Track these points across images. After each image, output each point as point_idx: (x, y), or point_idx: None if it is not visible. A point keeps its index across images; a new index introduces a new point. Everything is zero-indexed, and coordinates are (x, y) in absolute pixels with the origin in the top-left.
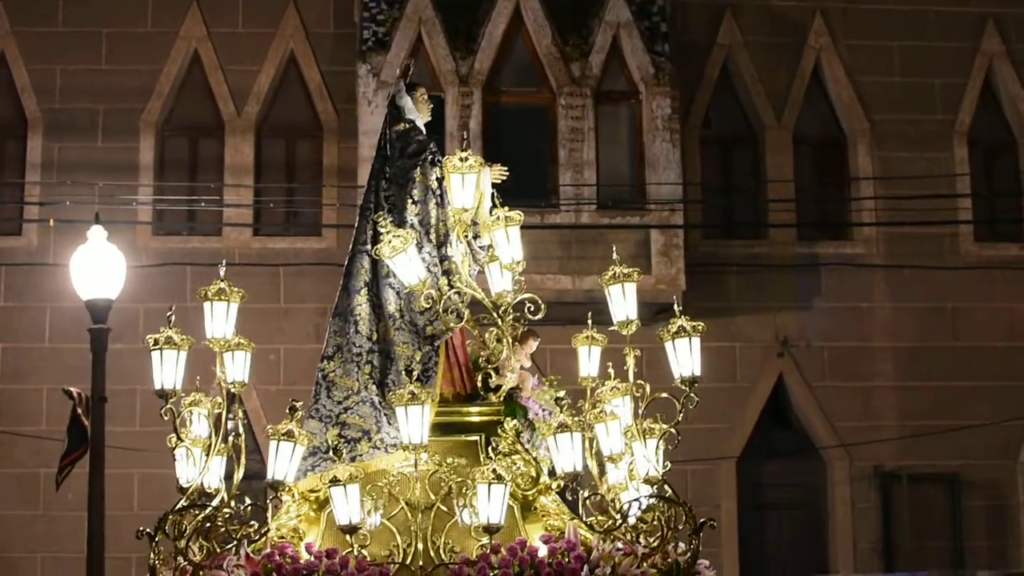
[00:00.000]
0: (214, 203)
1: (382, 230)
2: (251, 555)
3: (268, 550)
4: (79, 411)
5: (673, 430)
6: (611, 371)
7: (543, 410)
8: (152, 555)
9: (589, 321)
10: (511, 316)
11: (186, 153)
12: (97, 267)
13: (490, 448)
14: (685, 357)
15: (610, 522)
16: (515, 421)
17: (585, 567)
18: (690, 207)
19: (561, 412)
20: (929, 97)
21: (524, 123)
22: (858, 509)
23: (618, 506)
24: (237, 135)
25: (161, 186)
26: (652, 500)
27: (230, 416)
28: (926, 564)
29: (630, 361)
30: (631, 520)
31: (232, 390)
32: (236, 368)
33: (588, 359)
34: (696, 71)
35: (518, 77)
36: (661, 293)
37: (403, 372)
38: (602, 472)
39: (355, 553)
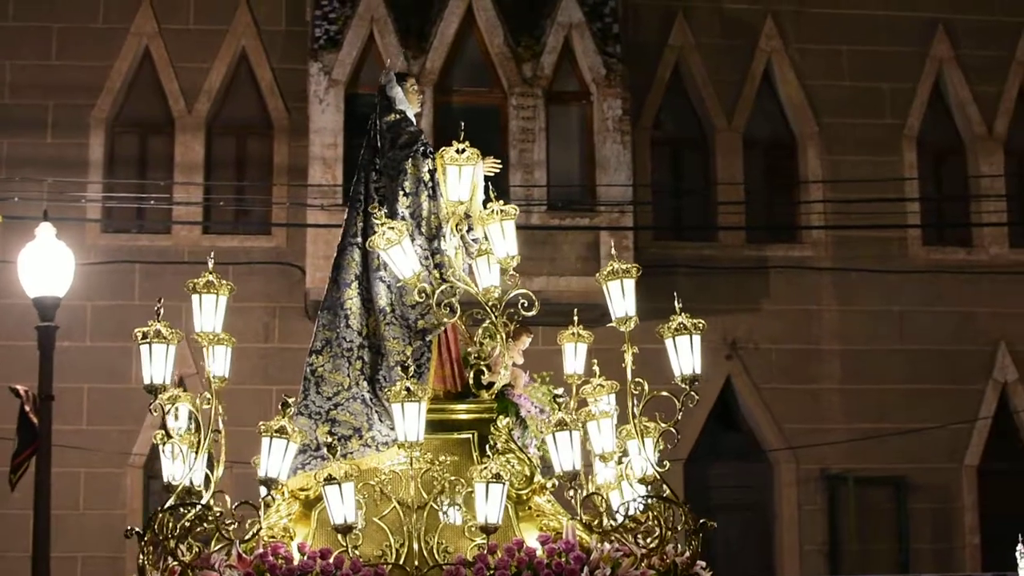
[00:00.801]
0: (164, 201)
1: (376, 221)
2: (243, 555)
3: (261, 550)
4: (27, 409)
5: (673, 429)
6: (596, 369)
7: (535, 407)
8: (141, 555)
9: (575, 318)
10: (505, 312)
11: (136, 150)
12: (45, 264)
13: (487, 446)
14: (686, 355)
15: (608, 523)
16: (508, 419)
17: (585, 568)
18: (640, 209)
19: (560, 410)
20: (879, 101)
21: (475, 122)
22: (804, 511)
23: (605, 506)
24: (187, 132)
25: (111, 183)
26: (651, 500)
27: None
28: (871, 567)
29: (628, 358)
30: (619, 519)
31: (215, 386)
32: (217, 363)
33: (574, 357)
34: (647, 73)
35: (470, 77)
36: None
37: (394, 368)
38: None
39: (349, 553)
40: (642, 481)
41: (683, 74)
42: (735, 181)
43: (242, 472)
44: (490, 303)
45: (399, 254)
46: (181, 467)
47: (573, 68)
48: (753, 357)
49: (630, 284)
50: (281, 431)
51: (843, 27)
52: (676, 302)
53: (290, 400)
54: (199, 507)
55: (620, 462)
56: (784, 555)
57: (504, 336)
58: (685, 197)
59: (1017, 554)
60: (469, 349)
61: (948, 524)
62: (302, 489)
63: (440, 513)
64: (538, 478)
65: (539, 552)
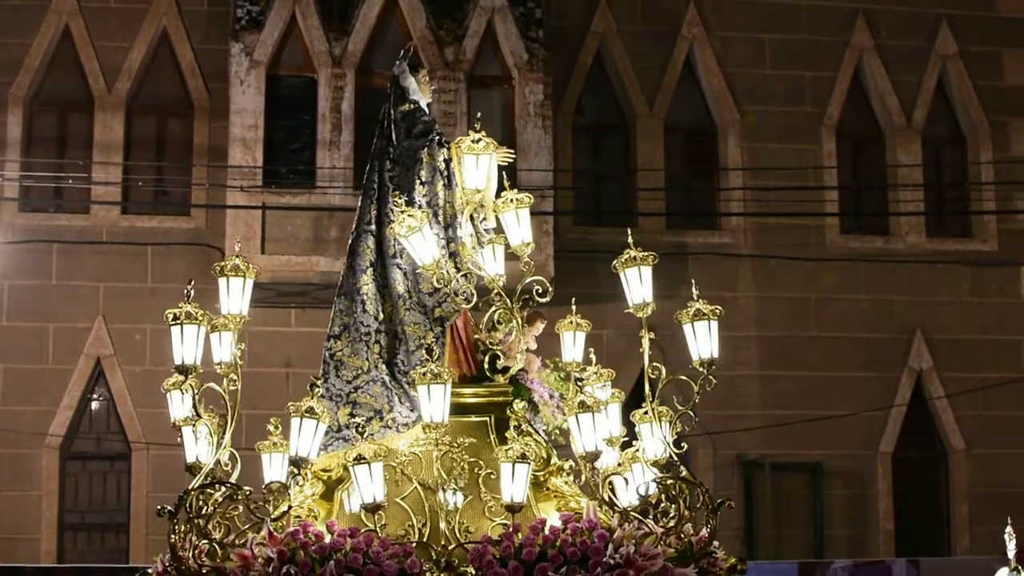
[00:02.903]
0: (82, 180)
1: (397, 209)
2: (274, 533)
3: (291, 528)
4: None
5: (691, 412)
6: (593, 356)
7: (548, 392)
8: (173, 534)
9: (573, 306)
10: (520, 298)
11: (55, 129)
12: None
13: (513, 428)
14: (704, 339)
15: (628, 503)
16: (524, 403)
17: (609, 546)
18: (561, 194)
19: (580, 393)
20: (799, 90)
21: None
22: (720, 496)
23: (606, 488)
24: (107, 112)
25: (28, 162)
26: (670, 480)
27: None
28: (787, 551)
29: (645, 344)
30: (635, 500)
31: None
32: (225, 348)
33: (572, 345)
34: (570, 58)
35: (392, 60)
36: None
37: (414, 352)
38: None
39: (377, 532)
40: (655, 464)
41: (605, 60)
42: (655, 167)
43: (158, 453)
44: (494, 290)
45: (420, 241)
46: (205, 448)
47: (495, 52)
48: (671, 343)
49: (647, 271)
50: (310, 411)
51: (765, 15)
52: (693, 288)
53: (318, 382)
54: (230, 486)
55: (627, 446)
56: None
57: (519, 321)
58: (605, 183)
59: (1006, 535)
60: (477, 336)
61: (862, 510)
62: (324, 470)
63: (442, 497)
64: (554, 460)
65: (563, 531)
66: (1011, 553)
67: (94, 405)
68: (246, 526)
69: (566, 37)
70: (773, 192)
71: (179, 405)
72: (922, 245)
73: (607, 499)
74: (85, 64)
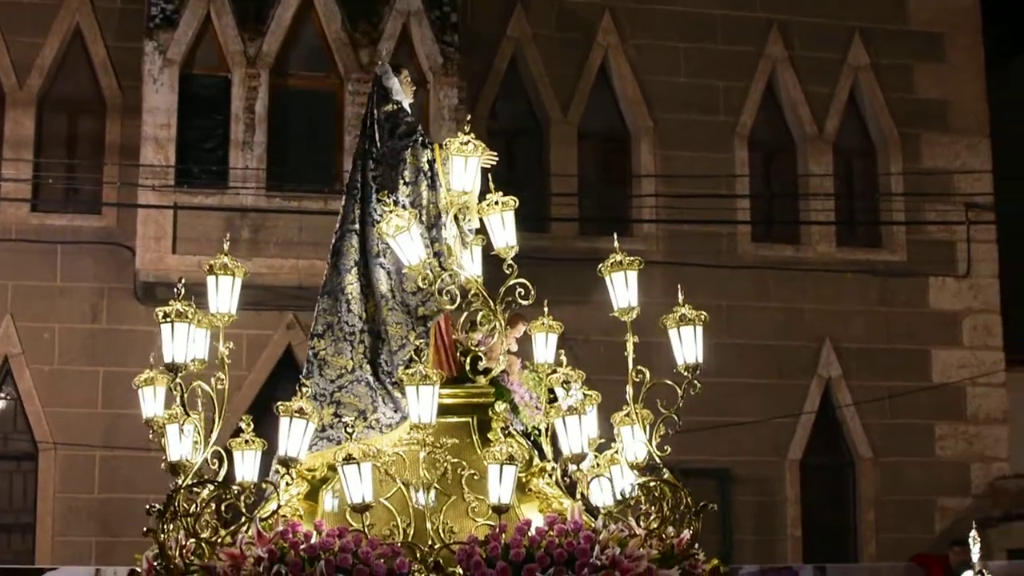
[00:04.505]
0: None
1: (385, 208)
2: (262, 532)
3: (280, 528)
4: None
5: (675, 416)
6: (564, 358)
7: (528, 395)
8: (163, 533)
9: (545, 309)
10: (504, 300)
11: None
12: None
13: (499, 430)
14: (689, 344)
15: (604, 504)
16: (505, 404)
17: (596, 547)
18: None
19: (568, 396)
20: (713, 98)
21: (311, 107)
22: None
23: (582, 489)
24: (18, 108)
25: None
26: (652, 483)
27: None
28: None
29: (629, 347)
30: (604, 503)
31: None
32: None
33: (545, 346)
34: (484, 63)
35: (306, 61)
36: None
37: (396, 352)
38: (556, 455)
39: (365, 532)
40: (633, 466)
41: (520, 65)
42: (569, 173)
43: (66, 454)
44: (472, 291)
45: (407, 241)
46: (189, 447)
47: (410, 56)
48: (584, 349)
49: (633, 275)
50: (300, 412)
51: (680, 24)
52: (679, 294)
53: (307, 382)
54: (217, 485)
55: (602, 449)
56: None
57: (502, 323)
58: (519, 188)
59: (970, 539)
60: (455, 337)
61: (771, 516)
62: (309, 469)
63: (414, 498)
64: (536, 461)
65: (550, 532)
66: (975, 556)
67: (0, 404)
68: (232, 526)
69: (481, 42)
70: (685, 199)
71: (151, 403)
72: (832, 254)
73: (586, 500)
74: None
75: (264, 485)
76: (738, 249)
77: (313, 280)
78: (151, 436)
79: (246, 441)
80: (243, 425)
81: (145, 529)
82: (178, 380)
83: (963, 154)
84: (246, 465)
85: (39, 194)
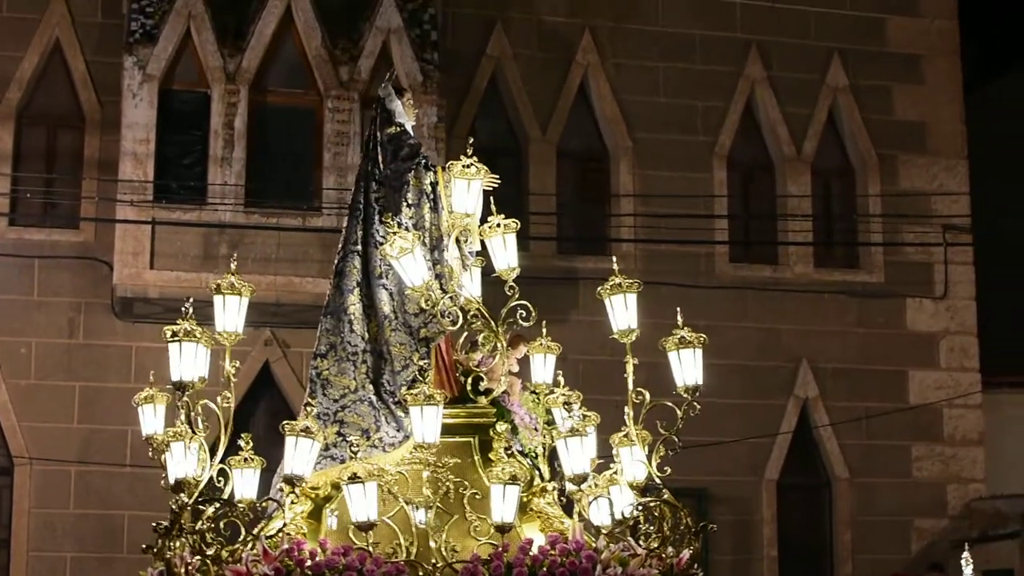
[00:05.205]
0: None
1: (389, 230)
2: (268, 550)
3: (286, 546)
4: None
5: (675, 437)
6: (561, 379)
7: (528, 416)
8: (168, 551)
9: (543, 329)
10: (505, 321)
11: None
12: None
13: (503, 450)
14: (689, 366)
15: (611, 524)
16: (506, 425)
17: (598, 567)
18: None
19: (570, 417)
20: (691, 118)
21: (290, 124)
22: None
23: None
24: None
25: None
26: (652, 503)
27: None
28: None
29: (629, 369)
30: (601, 522)
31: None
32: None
33: (543, 367)
34: (464, 81)
35: (286, 78)
36: None
37: (399, 372)
38: (554, 475)
39: (370, 550)
40: (632, 486)
41: (499, 84)
42: (547, 192)
43: (42, 469)
44: (470, 312)
45: (410, 262)
46: (194, 464)
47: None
48: (562, 368)
49: (632, 298)
50: (306, 431)
51: (659, 44)
52: (678, 316)
53: (312, 401)
54: (224, 502)
55: (599, 470)
56: None
57: (503, 345)
58: (497, 207)
59: (962, 561)
60: (456, 358)
61: (747, 536)
62: (312, 488)
63: (412, 517)
64: (537, 481)
65: (552, 551)
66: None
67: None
68: (229, 544)
69: (461, 60)
70: (664, 219)
71: (151, 420)
72: (809, 275)
73: (588, 520)
74: None
75: (263, 503)
76: (716, 269)
77: (291, 297)
78: (150, 454)
79: (245, 459)
80: (242, 443)
81: (144, 546)
82: (186, 398)
83: (941, 176)
84: (245, 483)
85: (17, 208)
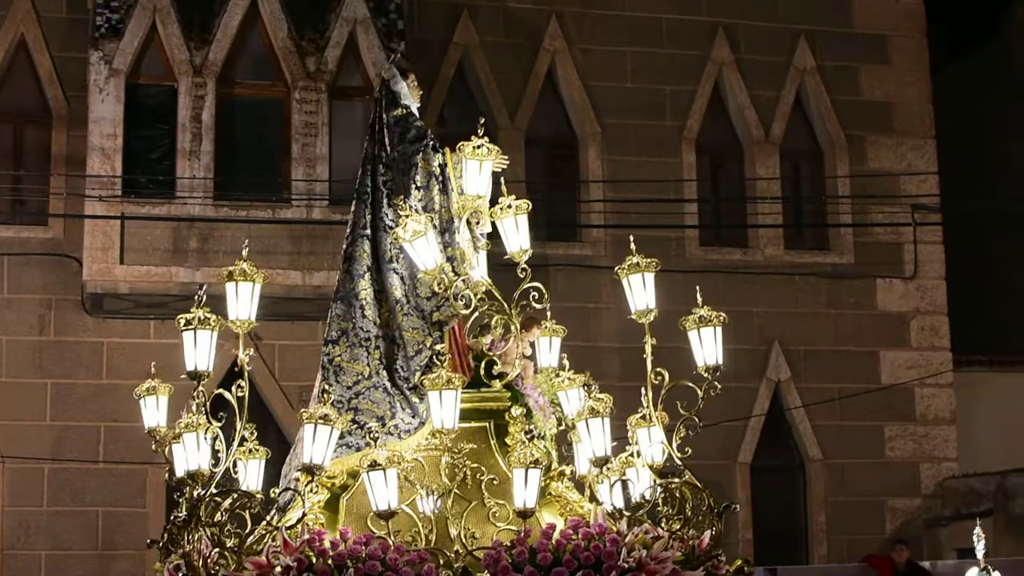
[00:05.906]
0: None
1: (402, 213)
2: (288, 540)
3: (306, 536)
4: None
5: (696, 418)
6: (566, 362)
7: (542, 399)
8: (188, 544)
9: (548, 313)
10: (518, 304)
11: None
12: None
13: (523, 433)
14: (710, 345)
15: (633, 507)
16: (521, 409)
17: (623, 550)
18: None
19: (590, 398)
20: (659, 103)
21: (258, 116)
22: None
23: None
24: None
25: None
26: (673, 485)
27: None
28: None
29: (648, 350)
30: (614, 504)
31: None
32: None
33: (548, 350)
34: (432, 70)
35: (253, 70)
36: None
37: (413, 357)
38: (562, 459)
39: (390, 539)
40: (651, 468)
41: (467, 72)
42: (517, 179)
43: (14, 467)
44: (477, 295)
45: (423, 245)
46: (208, 455)
47: (357, 63)
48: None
49: (650, 277)
50: (325, 419)
51: (626, 29)
52: (697, 295)
53: (329, 388)
54: (241, 494)
55: (620, 452)
56: None
57: (517, 327)
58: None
59: (975, 536)
60: (467, 342)
61: (721, 519)
62: (329, 477)
63: (420, 505)
64: (555, 465)
65: (575, 535)
66: (980, 554)
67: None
68: (253, 534)
69: (428, 49)
70: (633, 204)
71: (153, 412)
72: (780, 257)
73: (610, 503)
74: None
75: (273, 493)
76: (686, 253)
77: (262, 289)
78: (153, 447)
79: (250, 450)
80: (246, 434)
81: (149, 541)
82: (201, 388)
83: (909, 155)
84: (250, 473)
85: None
